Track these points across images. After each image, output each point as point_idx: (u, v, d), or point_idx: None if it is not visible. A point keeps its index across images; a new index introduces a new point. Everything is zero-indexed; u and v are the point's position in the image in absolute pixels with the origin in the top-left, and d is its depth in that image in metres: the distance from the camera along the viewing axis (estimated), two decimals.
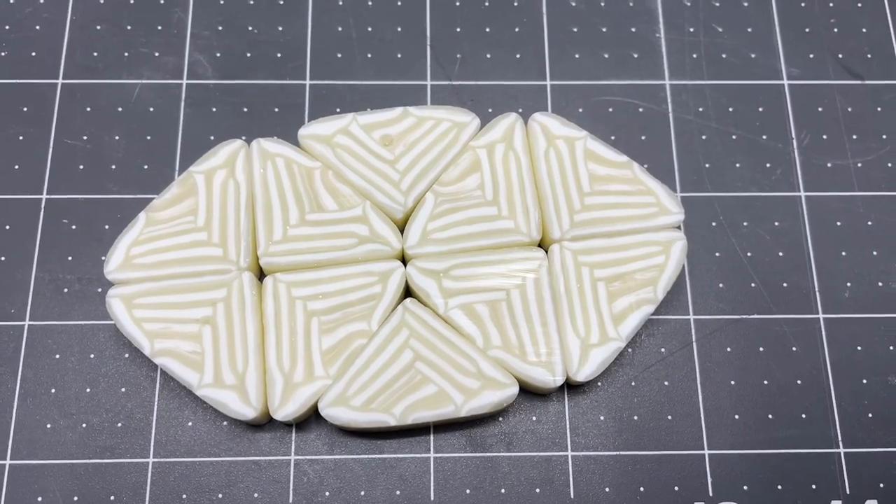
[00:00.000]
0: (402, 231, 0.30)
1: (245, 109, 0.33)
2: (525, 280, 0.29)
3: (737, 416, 0.30)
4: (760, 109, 0.33)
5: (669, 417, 0.30)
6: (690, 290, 0.31)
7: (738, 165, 0.33)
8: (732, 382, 0.30)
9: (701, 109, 0.33)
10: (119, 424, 0.29)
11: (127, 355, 0.30)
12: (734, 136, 0.33)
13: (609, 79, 0.34)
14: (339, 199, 0.29)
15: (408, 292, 0.29)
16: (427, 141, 0.30)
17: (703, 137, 0.33)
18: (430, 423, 0.28)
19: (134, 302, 0.28)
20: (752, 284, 0.31)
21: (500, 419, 0.29)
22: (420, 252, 0.29)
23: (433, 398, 0.28)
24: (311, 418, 0.29)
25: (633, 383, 0.30)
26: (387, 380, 0.28)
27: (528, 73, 0.34)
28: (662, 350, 0.30)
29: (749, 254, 0.32)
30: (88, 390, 0.29)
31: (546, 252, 0.29)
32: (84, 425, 0.29)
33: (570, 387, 0.30)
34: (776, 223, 0.32)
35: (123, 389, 0.29)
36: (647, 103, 0.33)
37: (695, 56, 0.34)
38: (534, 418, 0.29)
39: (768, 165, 0.33)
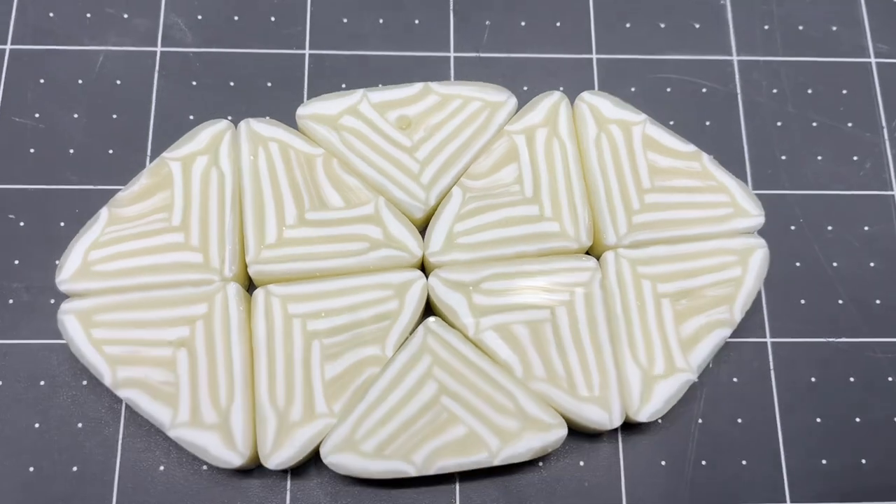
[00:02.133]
0: (422, 234, 0.28)
1: (231, 84, 0.31)
2: (573, 296, 0.26)
3: (824, 461, 0.27)
4: (844, 92, 0.31)
5: (744, 462, 0.27)
6: (766, 307, 0.29)
7: (819, 158, 0.31)
8: (818, 420, 0.28)
9: (775, 91, 0.31)
10: (74, 469, 0.27)
11: (85, 382, 0.27)
12: (815, 123, 0.31)
13: (666, 53, 0.32)
14: (346, 194, 0.27)
15: (430, 309, 0.28)
16: (453, 124, 0.28)
17: (779, 124, 0.31)
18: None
19: (93, 319, 0.26)
20: (840, 301, 0.29)
21: (541, 464, 0.27)
22: (445, 260, 0.27)
23: (462, 442, 0.25)
24: (310, 462, 0.27)
25: (699, 421, 0.28)
26: (405, 419, 0.25)
27: (569, 45, 0.32)
28: (734, 380, 0.28)
29: (835, 264, 0.29)
30: (37, 426, 0.27)
31: (598, 261, 0.27)
32: (31, 469, 0.27)
33: (625, 425, 0.27)
34: (866, 227, 0.30)
35: (80, 425, 0.27)
36: (711, 82, 0.31)
37: (767, 28, 0.32)
38: (581, 463, 0.27)
39: (855, 158, 0.31)
